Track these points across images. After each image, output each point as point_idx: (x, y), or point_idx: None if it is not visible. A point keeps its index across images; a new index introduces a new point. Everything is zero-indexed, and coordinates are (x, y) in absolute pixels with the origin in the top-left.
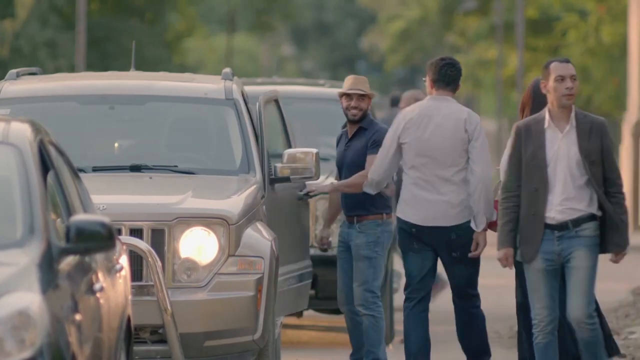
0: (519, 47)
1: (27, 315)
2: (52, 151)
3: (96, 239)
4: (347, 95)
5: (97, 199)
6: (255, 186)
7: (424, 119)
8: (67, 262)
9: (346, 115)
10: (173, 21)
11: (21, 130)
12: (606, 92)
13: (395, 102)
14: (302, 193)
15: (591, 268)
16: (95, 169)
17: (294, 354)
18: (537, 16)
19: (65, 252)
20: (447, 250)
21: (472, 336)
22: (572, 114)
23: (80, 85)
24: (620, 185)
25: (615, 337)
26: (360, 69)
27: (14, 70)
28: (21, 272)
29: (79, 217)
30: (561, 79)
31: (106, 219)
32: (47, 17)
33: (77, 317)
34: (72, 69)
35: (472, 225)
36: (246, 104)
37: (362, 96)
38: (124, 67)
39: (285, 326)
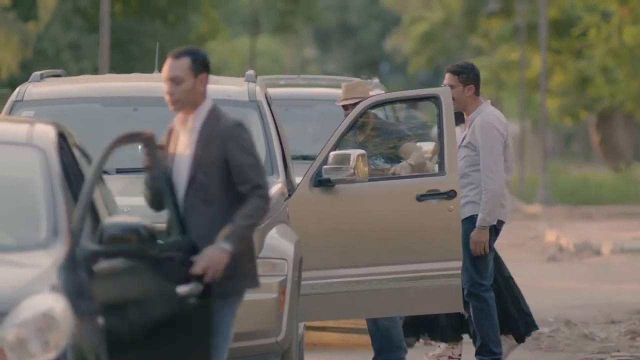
0: (542, 48)
1: (52, 317)
2: (76, 153)
3: (135, 242)
4: (344, 106)
5: (120, 200)
6: (278, 188)
7: (505, 124)
8: (103, 264)
9: None
10: (196, 23)
11: (45, 132)
12: (629, 93)
13: None
14: (422, 194)
15: None
16: (119, 171)
17: (318, 355)
18: (560, 18)
19: (100, 255)
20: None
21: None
22: (200, 113)
23: (104, 87)
24: (253, 198)
25: (638, 338)
26: (384, 70)
27: (37, 72)
28: (45, 274)
29: (117, 219)
30: (164, 82)
31: (146, 222)
32: (71, 19)
33: (101, 318)
34: (95, 71)
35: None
36: (269, 105)
37: (356, 103)
38: (148, 69)
39: (309, 328)
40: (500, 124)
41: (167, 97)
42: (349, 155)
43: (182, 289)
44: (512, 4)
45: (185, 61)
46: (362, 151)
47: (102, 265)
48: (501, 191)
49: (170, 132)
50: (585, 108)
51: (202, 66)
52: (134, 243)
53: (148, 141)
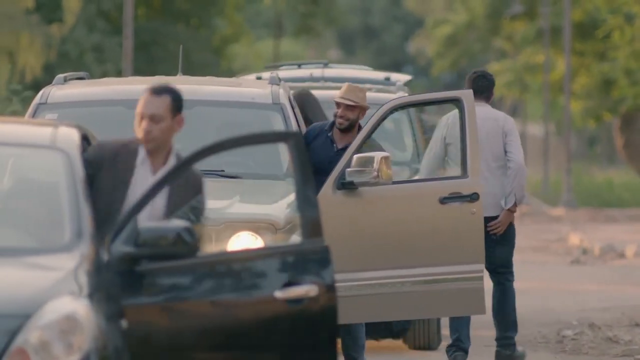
0: (566, 51)
1: (75, 319)
2: None
3: (182, 245)
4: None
5: None
6: None
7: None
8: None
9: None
10: (220, 26)
11: (69, 135)
12: None
13: None
14: (445, 196)
15: None
16: None
17: (341, 358)
18: (583, 20)
19: (134, 257)
20: (487, 234)
21: (504, 308)
22: (170, 158)
23: (128, 90)
24: None
25: None
26: (407, 73)
27: (61, 75)
28: (68, 277)
29: (155, 223)
30: (140, 117)
31: (189, 225)
32: (94, 21)
33: (124, 321)
34: (119, 73)
35: (502, 203)
36: (293, 108)
37: (350, 106)
38: (171, 72)
39: None
40: (442, 121)
41: (141, 133)
42: (372, 158)
43: (286, 293)
44: (536, 6)
45: (166, 100)
46: (385, 154)
47: (156, 266)
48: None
49: (99, 151)
50: (609, 110)
51: (179, 107)
52: (177, 246)
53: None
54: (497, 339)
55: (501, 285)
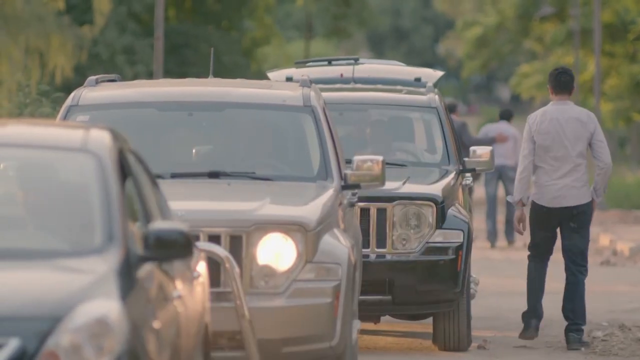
0: (596, 52)
1: (106, 322)
2: (131, 159)
3: (175, 247)
4: None
5: (175, 205)
6: (332, 193)
7: (552, 120)
8: (146, 270)
9: None
10: (250, 29)
11: (100, 138)
12: None
13: (452, 109)
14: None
15: None
16: (174, 175)
17: (371, 359)
18: (613, 22)
19: (143, 260)
20: (568, 222)
21: (575, 299)
22: None
23: (159, 92)
24: None
25: None
26: None
27: (93, 77)
28: (100, 280)
29: (158, 224)
30: None
31: (184, 227)
32: (126, 23)
33: (155, 324)
34: (150, 75)
35: (593, 195)
36: (324, 110)
37: None
38: (202, 74)
39: (362, 332)
40: (530, 119)
41: None
42: (375, 160)
43: None
44: (566, 8)
45: None
46: (380, 157)
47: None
48: (522, 173)
49: None
50: (639, 112)
51: None
52: (175, 248)
53: None
54: (567, 325)
55: (574, 277)
